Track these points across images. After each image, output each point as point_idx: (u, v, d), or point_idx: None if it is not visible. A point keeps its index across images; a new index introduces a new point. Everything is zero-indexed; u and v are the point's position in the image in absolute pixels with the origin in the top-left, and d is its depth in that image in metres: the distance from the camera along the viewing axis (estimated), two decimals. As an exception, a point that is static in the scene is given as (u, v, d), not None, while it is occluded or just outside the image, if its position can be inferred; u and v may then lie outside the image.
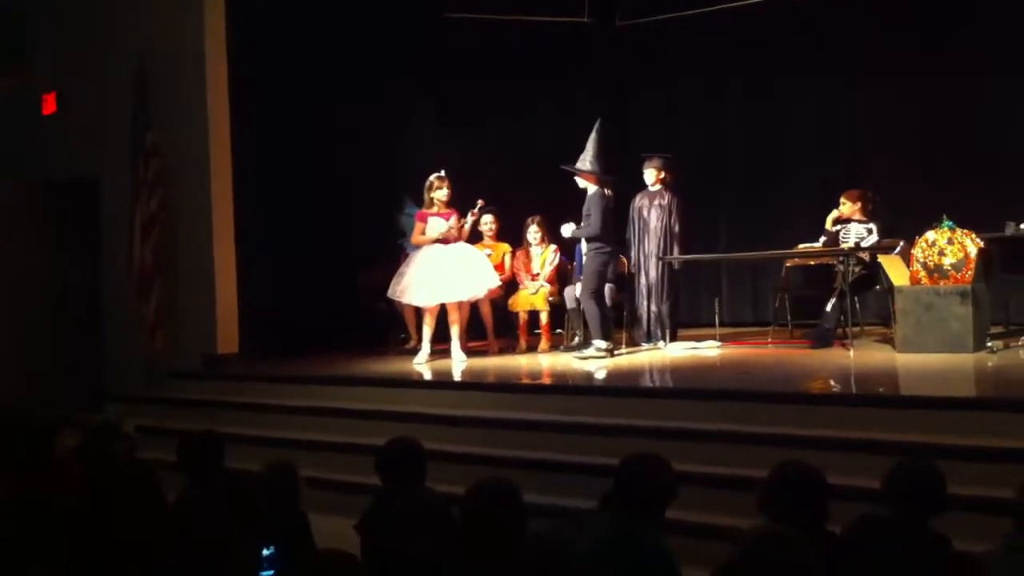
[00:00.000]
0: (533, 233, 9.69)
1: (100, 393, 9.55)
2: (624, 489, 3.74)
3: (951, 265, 7.76)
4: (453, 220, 8.90)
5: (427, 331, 8.88)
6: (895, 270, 8.19)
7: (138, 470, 4.67)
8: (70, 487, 4.36)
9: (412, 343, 9.47)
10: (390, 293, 8.96)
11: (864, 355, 8.11)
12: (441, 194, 8.89)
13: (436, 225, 8.85)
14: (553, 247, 9.69)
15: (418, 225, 8.98)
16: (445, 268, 8.77)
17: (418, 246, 8.95)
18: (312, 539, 4.29)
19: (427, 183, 8.96)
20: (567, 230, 8.87)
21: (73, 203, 10.35)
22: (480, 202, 9.07)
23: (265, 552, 3.71)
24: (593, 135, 8.84)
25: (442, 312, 8.89)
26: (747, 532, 2.95)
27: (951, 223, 7.91)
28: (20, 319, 10.13)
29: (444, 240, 8.82)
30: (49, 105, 10.42)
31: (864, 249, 8.77)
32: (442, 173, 8.97)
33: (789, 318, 9.74)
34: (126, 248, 9.53)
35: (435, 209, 8.92)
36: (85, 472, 4.46)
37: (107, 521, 3.97)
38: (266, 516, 4.19)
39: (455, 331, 8.86)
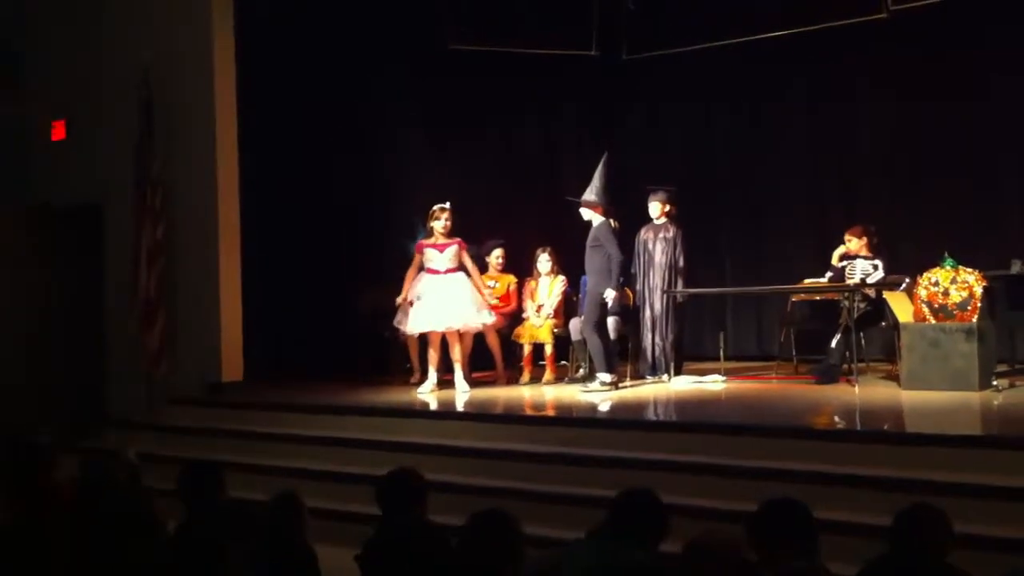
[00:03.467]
0: (544, 262, 9.65)
1: (101, 419, 9.52)
2: (617, 522, 3.74)
3: (956, 305, 7.74)
4: (452, 251, 8.93)
5: (432, 361, 8.90)
6: (900, 306, 8.17)
7: (137, 497, 4.64)
8: (67, 513, 4.33)
9: (415, 377, 9.42)
10: (396, 320, 9.04)
11: (869, 391, 8.09)
12: (439, 225, 8.93)
13: (429, 258, 8.94)
14: (562, 278, 9.68)
15: (416, 257, 9.04)
16: (437, 297, 8.82)
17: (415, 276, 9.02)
18: (319, 574, 4.26)
19: (429, 212, 9.02)
20: (610, 294, 8.64)
21: (76, 229, 10.36)
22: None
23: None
24: (600, 167, 8.86)
25: (447, 342, 8.91)
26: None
27: (952, 261, 7.90)
28: (21, 343, 10.12)
29: (435, 271, 8.89)
30: (58, 131, 10.46)
31: (870, 285, 8.76)
32: (446, 204, 9.01)
33: (794, 353, 9.72)
34: (130, 275, 9.53)
35: (433, 240, 8.96)
36: (82, 499, 4.43)
37: (104, 549, 3.94)
38: (268, 547, 4.16)
39: (457, 362, 8.87)
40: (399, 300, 8.98)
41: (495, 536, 3.47)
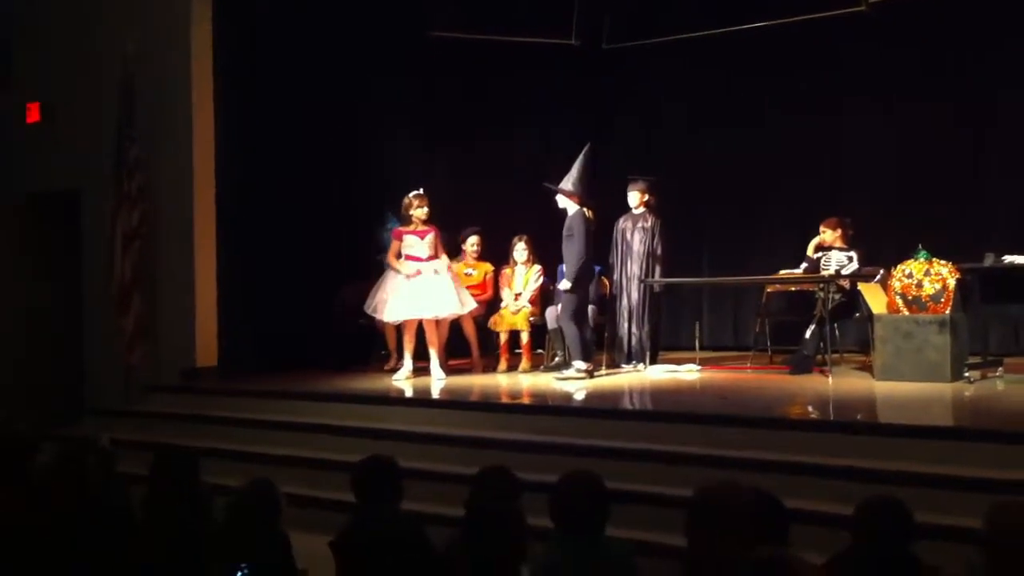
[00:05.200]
0: (520, 251, 9.66)
1: (78, 406, 9.48)
2: (560, 509, 3.75)
3: (930, 297, 7.80)
4: (430, 238, 8.91)
5: (408, 348, 8.89)
6: (874, 298, 8.23)
7: (112, 486, 4.63)
8: (45, 503, 4.32)
9: (391, 362, 9.44)
10: (366, 307, 9.01)
11: (842, 382, 8.14)
12: (421, 212, 8.91)
13: (409, 244, 8.90)
14: (538, 267, 9.69)
15: (394, 244, 9.00)
16: (418, 286, 8.80)
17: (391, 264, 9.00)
18: (293, 560, 4.27)
19: (405, 201, 8.98)
20: (564, 284, 8.72)
21: (53, 215, 10.31)
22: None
23: (240, 573, 3.69)
24: (580, 157, 8.86)
25: (423, 329, 8.90)
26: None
27: (926, 253, 7.95)
28: (-1, 331, 10.09)
29: (417, 258, 8.85)
30: (33, 114, 10.38)
31: (844, 277, 8.82)
32: (420, 191, 9.00)
33: (769, 343, 9.77)
34: (106, 261, 9.48)
35: (413, 227, 8.94)
36: (59, 487, 4.42)
37: (79, 537, 3.94)
38: (243, 535, 4.16)
39: (433, 349, 8.87)
40: (407, 274, 8.88)
41: (498, 530, 3.46)
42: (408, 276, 8.83)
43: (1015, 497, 3.68)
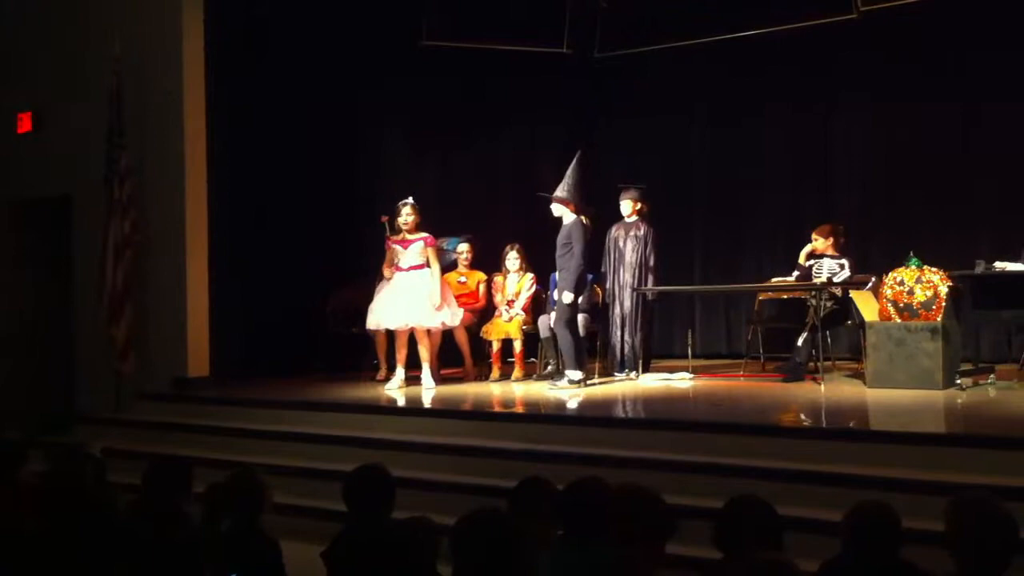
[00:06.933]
0: (512, 259, 9.64)
1: (69, 414, 9.45)
2: (569, 514, 3.74)
3: (921, 304, 7.82)
4: (416, 247, 8.87)
5: (399, 357, 8.88)
6: (866, 305, 8.24)
7: (103, 494, 4.61)
8: (34, 510, 4.30)
9: (382, 374, 9.41)
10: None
11: (834, 389, 8.15)
12: (400, 220, 8.88)
13: (395, 254, 8.90)
14: (530, 275, 9.67)
15: (387, 253, 8.98)
16: (395, 294, 8.80)
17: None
18: (283, 568, 4.25)
19: (395, 211, 8.96)
20: (568, 297, 8.67)
21: (45, 222, 10.28)
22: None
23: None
24: (573, 164, 8.86)
25: (414, 339, 8.89)
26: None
27: (917, 261, 7.98)
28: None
29: (398, 268, 8.85)
30: (24, 124, 10.37)
31: (836, 284, 8.82)
32: (408, 200, 8.96)
33: (761, 351, 9.78)
34: (98, 269, 9.46)
35: (400, 236, 8.92)
36: (49, 495, 4.40)
37: (69, 545, 3.92)
38: (230, 536, 4.14)
39: (425, 358, 8.85)
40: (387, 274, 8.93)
41: (491, 536, 3.44)
42: (387, 281, 8.84)
43: (970, 492, 3.68)
